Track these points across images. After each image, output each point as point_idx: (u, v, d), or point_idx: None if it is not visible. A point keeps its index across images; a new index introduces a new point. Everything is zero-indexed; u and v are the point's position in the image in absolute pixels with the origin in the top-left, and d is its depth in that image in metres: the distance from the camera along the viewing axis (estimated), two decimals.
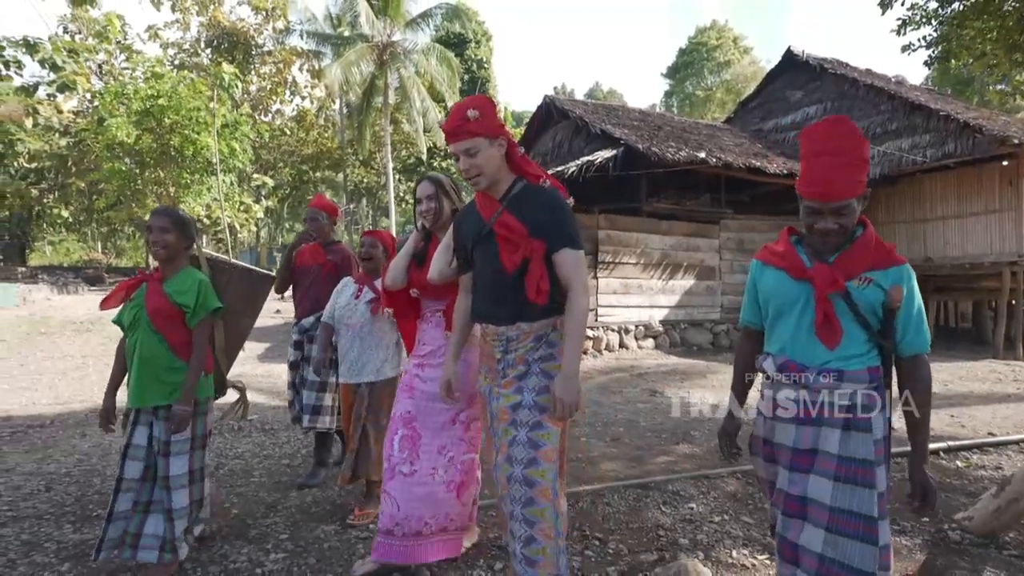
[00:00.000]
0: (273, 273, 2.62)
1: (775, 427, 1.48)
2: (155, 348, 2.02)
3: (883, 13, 2.71)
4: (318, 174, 27.63)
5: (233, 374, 2.49)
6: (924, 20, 5.53)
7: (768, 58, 37.48)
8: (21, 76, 17.65)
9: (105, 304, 2.09)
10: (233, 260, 2.58)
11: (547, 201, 1.65)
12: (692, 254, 9.50)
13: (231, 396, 2.49)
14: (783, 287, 1.47)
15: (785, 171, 9.17)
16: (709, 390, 5.91)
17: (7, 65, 17.21)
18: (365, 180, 29.00)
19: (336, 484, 2.88)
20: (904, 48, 6.26)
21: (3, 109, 16.07)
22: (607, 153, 8.13)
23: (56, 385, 5.78)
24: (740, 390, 1.65)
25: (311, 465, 3.17)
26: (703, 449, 3.73)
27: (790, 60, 12.07)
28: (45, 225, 24.12)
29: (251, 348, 7.90)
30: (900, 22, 5.79)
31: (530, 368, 1.65)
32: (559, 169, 8.06)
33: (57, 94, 17.30)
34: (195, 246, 2.16)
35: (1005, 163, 8.44)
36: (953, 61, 6.09)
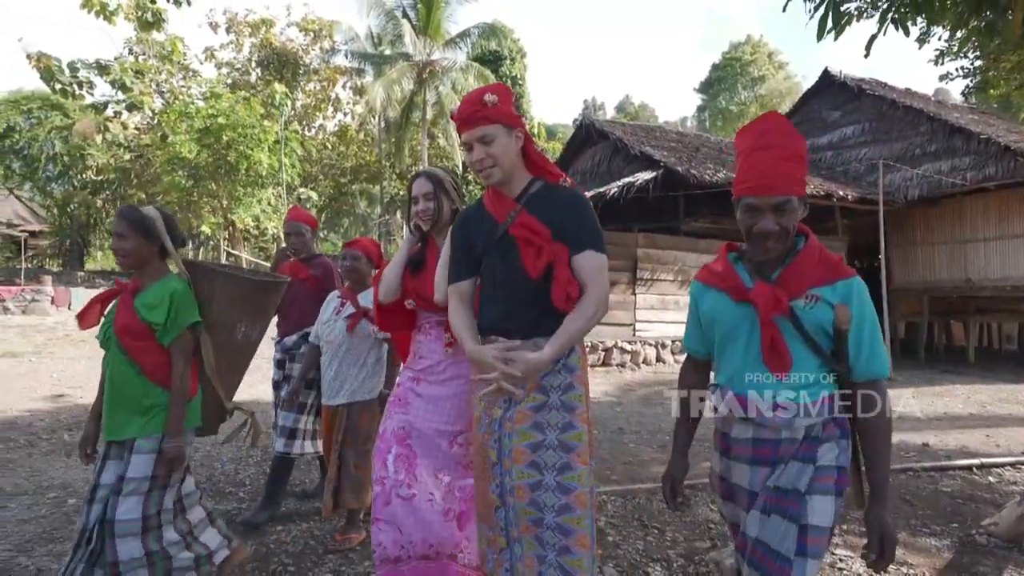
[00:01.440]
0: (281, 278, 2.30)
1: (731, 467, 1.35)
2: (125, 372, 1.73)
3: (920, 47, 2.85)
4: (356, 186, 28.67)
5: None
6: (961, 53, 5.76)
7: (803, 74, 37.19)
8: (92, 95, 18.97)
9: (82, 322, 1.82)
10: (220, 264, 2.32)
11: (569, 200, 1.51)
12: None
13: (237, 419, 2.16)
14: (725, 311, 1.33)
15: (822, 192, 9.35)
16: None
17: (80, 85, 18.52)
18: (401, 192, 29.94)
19: (315, 516, 2.75)
20: (942, 77, 6.48)
21: (79, 126, 17.37)
22: (647, 175, 8.48)
23: None
24: (686, 428, 1.49)
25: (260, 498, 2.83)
26: None
27: (827, 80, 12.22)
28: (101, 232, 25.69)
29: None
30: (938, 52, 6.03)
31: (549, 399, 1.46)
32: (600, 190, 8.44)
33: (124, 112, 18.54)
34: (166, 247, 1.81)
35: None
36: (992, 91, 6.29)
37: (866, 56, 2.63)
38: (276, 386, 3.03)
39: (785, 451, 1.27)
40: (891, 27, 2.48)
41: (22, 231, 21.88)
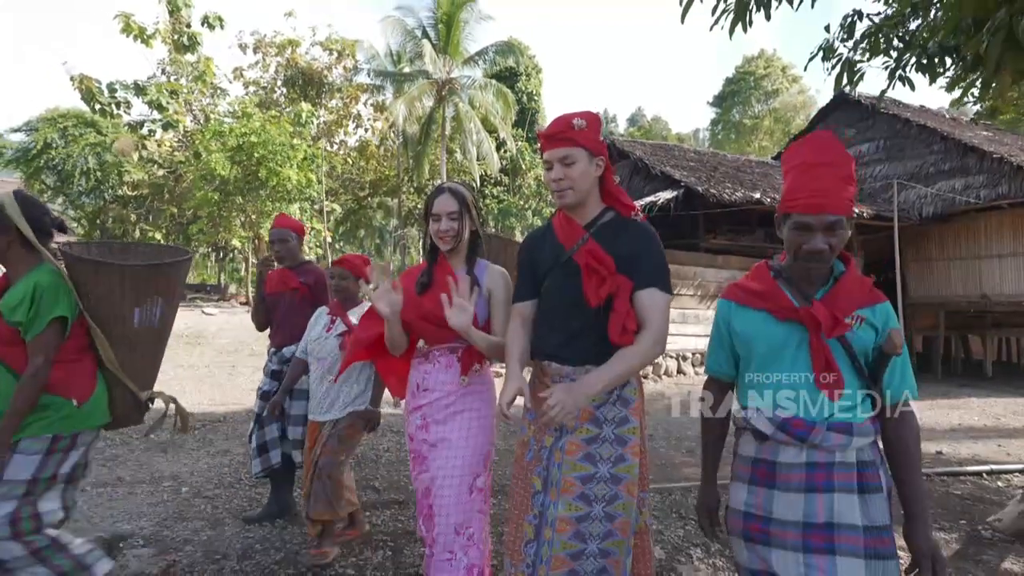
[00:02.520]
0: (179, 254, 2.06)
1: (774, 498, 1.25)
2: (4, 378, 1.62)
3: (931, 83, 3.06)
4: (375, 199, 29.38)
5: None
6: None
7: (817, 88, 37.33)
8: (129, 115, 19.84)
9: None
10: (113, 243, 2.21)
11: (639, 235, 1.52)
12: None
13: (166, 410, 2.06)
14: (767, 330, 1.29)
15: None
16: None
17: (118, 105, 19.43)
18: (418, 206, 30.60)
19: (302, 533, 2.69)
20: (953, 103, 6.80)
21: (118, 143, 18.19)
22: (669, 194, 8.86)
23: (202, 390, 6.85)
24: (714, 454, 1.45)
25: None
26: None
27: (842, 97, 12.52)
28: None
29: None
30: (948, 80, 6.35)
31: (602, 431, 1.45)
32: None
33: (160, 131, 19.35)
34: (25, 235, 1.64)
35: None
36: (1000, 116, 6.59)
37: (879, 104, 2.99)
38: (265, 396, 2.87)
39: (840, 477, 1.22)
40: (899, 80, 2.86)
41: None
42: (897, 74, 2.73)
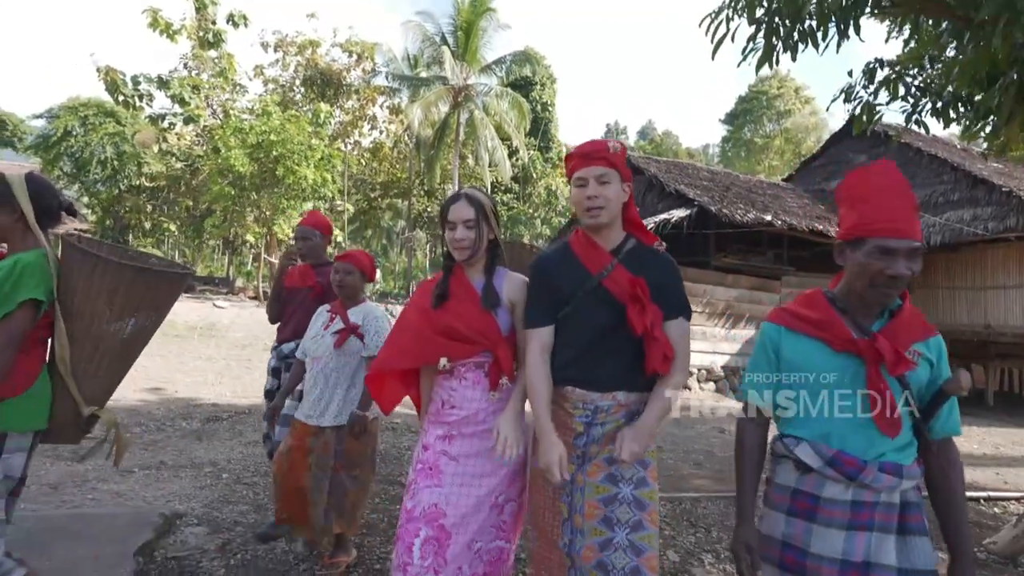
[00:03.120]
0: (180, 269, 1.97)
1: (812, 531, 1.23)
2: None
3: (945, 127, 3.15)
4: (385, 201, 29.68)
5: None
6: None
7: (832, 111, 37.62)
8: (151, 107, 20.21)
9: None
10: (111, 244, 2.09)
11: (665, 265, 1.54)
12: (754, 306, 10.20)
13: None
14: (821, 360, 1.26)
15: None
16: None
17: (140, 97, 19.80)
18: (429, 209, 30.89)
19: (313, 556, 2.49)
20: (962, 138, 6.98)
21: (140, 135, 18.53)
22: (682, 212, 9.06)
23: (223, 382, 7.07)
24: (752, 486, 1.36)
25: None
26: None
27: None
28: (146, 233, 26.95)
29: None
30: (961, 127, 6.53)
31: (620, 490, 1.44)
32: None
33: (181, 124, 19.69)
34: (26, 216, 1.60)
35: None
36: (1011, 152, 6.77)
37: (896, 137, 3.18)
38: (269, 395, 2.88)
39: (881, 517, 1.20)
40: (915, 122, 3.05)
41: (69, 229, 23.10)
42: (913, 118, 2.93)
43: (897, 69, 2.93)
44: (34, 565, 1.67)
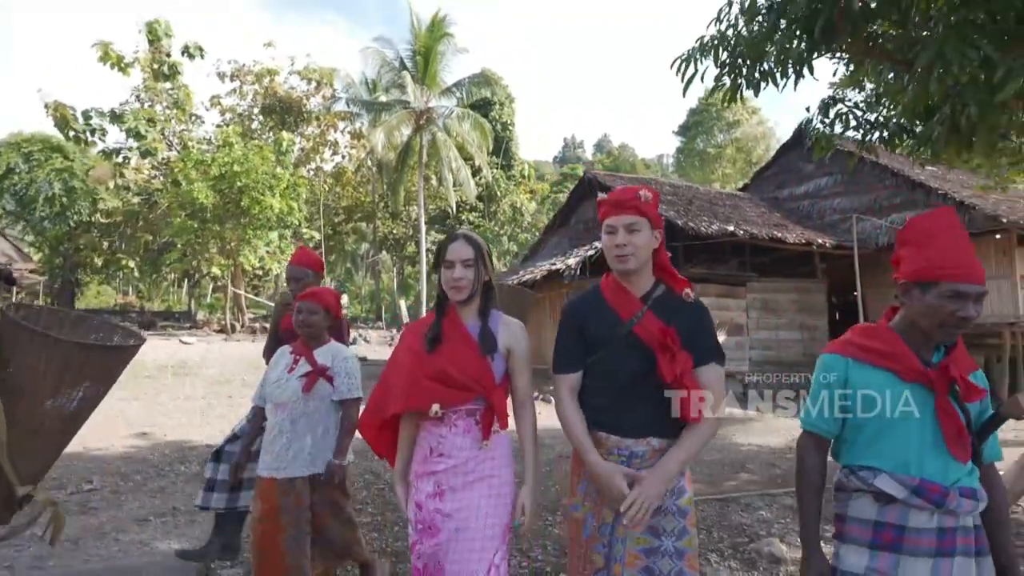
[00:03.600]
0: (131, 343, 1.91)
1: (899, 563, 1.25)
2: None
3: (892, 152, 3.39)
4: (350, 225, 29.49)
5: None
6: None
7: (776, 119, 39.62)
8: (104, 142, 19.65)
9: None
10: (60, 311, 2.02)
11: (695, 311, 1.55)
12: (723, 312, 10.67)
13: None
14: (895, 391, 1.30)
15: (803, 240, 10.44)
16: (752, 434, 6.98)
17: (92, 132, 19.24)
18: (394, 231, 30.81)
19: None
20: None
21: (95, 172, 18.00)
22: None
23: (211, 422, 6.95)
24: (818, 515, 1.38)
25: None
26: (760, 476, 4.82)
27: (801, 134, 13.57)
28: (87, 271, 25.85)
29: None
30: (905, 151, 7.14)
31: (664, 504, 1.44)
32: None
33: (137, 158, 19.20)
34: None
35: (998, 236, 9.67)
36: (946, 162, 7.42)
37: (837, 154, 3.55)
38: (232, 438, 2.77)
39: (962, 541, 1.25)
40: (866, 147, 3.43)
41: (15, 270, 22.02)
42: (864, 147, 3.31)
43: (848, 104, 3.31)
44: None
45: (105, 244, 20.85)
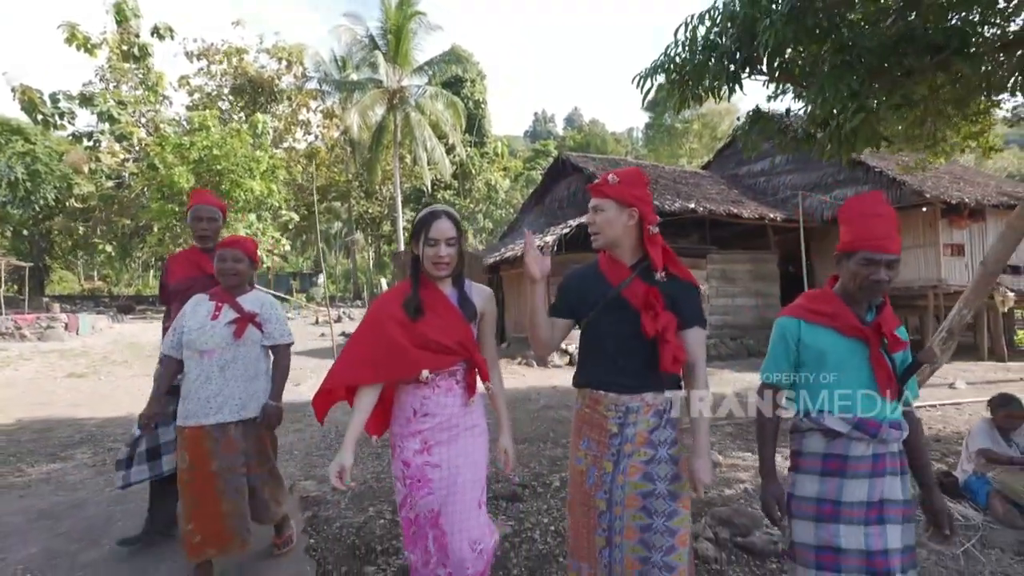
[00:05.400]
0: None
1: (843, 485, 1.52)
2: None
3: (807, 151, 4.08)
4: (323, 204, 29.57)
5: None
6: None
7: (738, 96, 40.73)
8: (73, 125, 19.43)
9: None
10: None
11: (681, 282, 1.66)
12: None
13: None
14: (836, 344, 1.55)
15: (757, 215, 11.50)
16: (715, 386, 8.05)
17: (61, 115, 19.01)
18: (369, 210, 31.03)
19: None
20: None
21: (69, 157, 17.88)
22: None
23: None
24: (773, 452, 1.64)
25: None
26: None
27: (758, 115, 14.54)
28: (57, 257, 25.38)
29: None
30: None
31: (657, 453, 1.61)
32: (582, 219, 10.25)
33: (109, 141, 19.08)
34: None
35: (924, 209, 10.89)
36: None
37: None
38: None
39: (889, 464, 1.53)
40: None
41: None
42: (781, 147, 4.22)
43: (767, 114, 4.20)
44: None
45: (81, 229, 20.76)
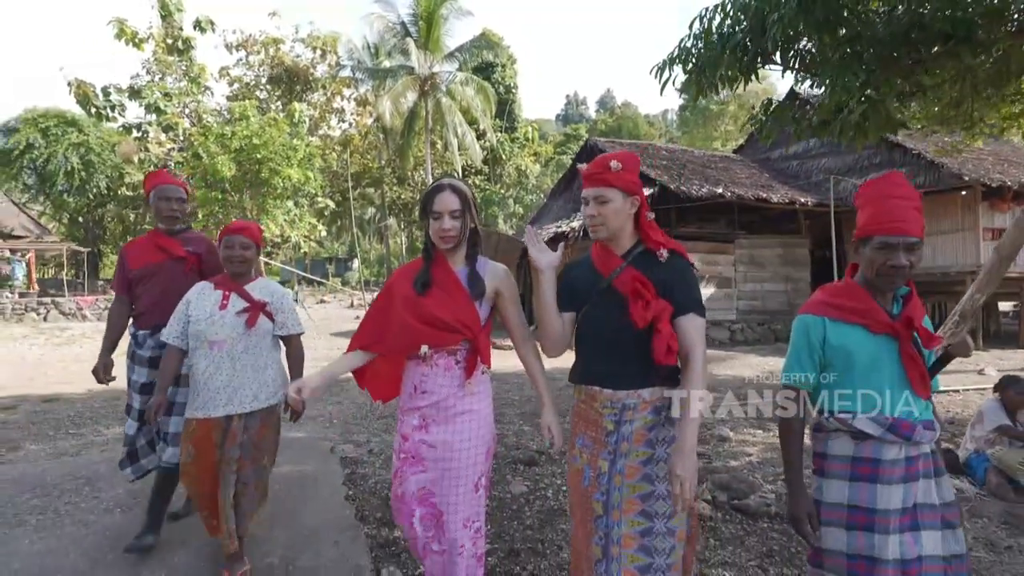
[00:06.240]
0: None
1: (876, 491, 1.40)
2: None
3: (821, 139, 4.04)
4: (357, 191, 30.27)
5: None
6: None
7: (776, 76, 39.45)
8: (124, 117, 20.45)
9: None
10: None
11: (674, 264, 1.58)
12: (713, 267, 11.73)
13: None
14: (864, 343, 1.43)
15: (787, 200, 11.39)
16: (731, 368, 8.18)
17: (113, 108, 20.04)
18: (402, 196, 31.60)
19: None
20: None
21: (121, 147, 18.88)
22: (646, 191, 10.44)
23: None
24: (801, 462, 1.51)
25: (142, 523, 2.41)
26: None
27: (793, 96, 14.25)
28: (108, 242, 26.84)
29: None
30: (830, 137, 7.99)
31: (655, 452, 1.55)
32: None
33: (156, 132, 20.05)
34: None
35: (963, 193, 10.59)
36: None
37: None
38: (146, 389, 2.44)
39: (924, 466, 1.42)
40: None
41: (35, 243, 23.03)
42: (799, 134, 4.32)
43: (783, 102, 4.30)
44: None
45: (131, 216, 21.94)
